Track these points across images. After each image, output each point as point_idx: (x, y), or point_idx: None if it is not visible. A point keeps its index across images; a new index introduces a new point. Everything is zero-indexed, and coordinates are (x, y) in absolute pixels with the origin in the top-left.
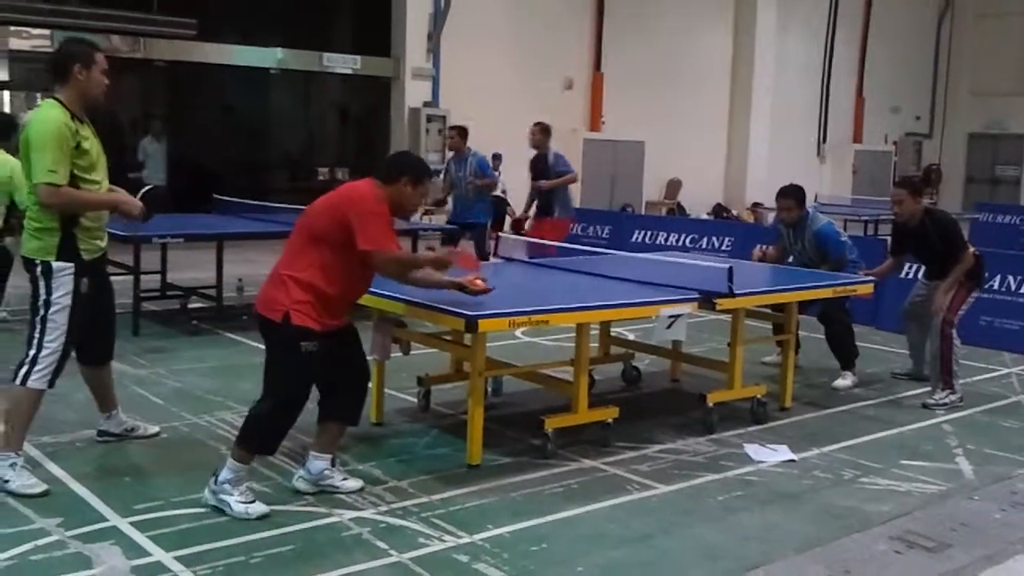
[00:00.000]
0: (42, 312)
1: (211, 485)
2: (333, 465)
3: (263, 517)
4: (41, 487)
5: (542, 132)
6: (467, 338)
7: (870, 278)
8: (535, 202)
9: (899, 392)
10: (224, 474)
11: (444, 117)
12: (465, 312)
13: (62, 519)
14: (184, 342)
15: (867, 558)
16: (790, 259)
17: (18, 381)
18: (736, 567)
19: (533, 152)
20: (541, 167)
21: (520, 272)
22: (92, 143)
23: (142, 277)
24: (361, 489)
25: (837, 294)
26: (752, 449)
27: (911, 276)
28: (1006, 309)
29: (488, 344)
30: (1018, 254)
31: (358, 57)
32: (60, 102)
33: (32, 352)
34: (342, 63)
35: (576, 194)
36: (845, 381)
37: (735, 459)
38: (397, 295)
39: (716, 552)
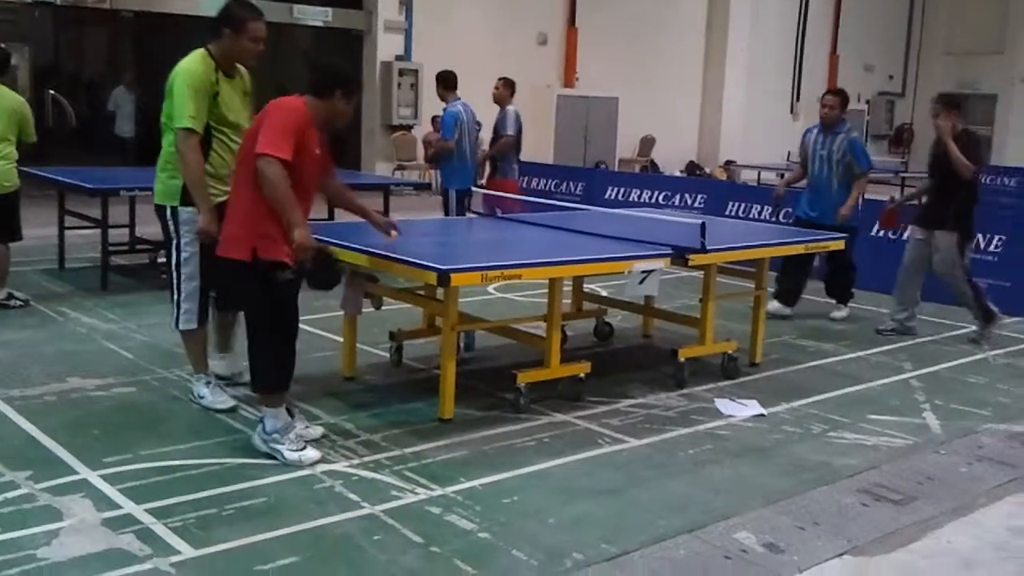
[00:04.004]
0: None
1: (260, 433)
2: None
3: (316, 463)
4: (231, 403)
5: (504, 86)
6: (439, 293)
7: (841, 235)
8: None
9: (867, 348)
10: (269, 424)
11: (416, 71)
12: (438, 266)
13: (31, 472)
14: (153, 296)
15: (835, 510)
16: (803, 182)
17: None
18: (705, 519)
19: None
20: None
21: (493, 227)
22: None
23: (110, 231)
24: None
25: (808, 250)
26: (722, 404)
27: (885, 235)
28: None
29: (460, 299)
30: (988, 213)
31: (329, 9)
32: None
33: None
34: (313, 15)
35: (550, 150)
36: (841, 312)
37: (705, 413)
38: (369, 249)
39: (685, 504)
